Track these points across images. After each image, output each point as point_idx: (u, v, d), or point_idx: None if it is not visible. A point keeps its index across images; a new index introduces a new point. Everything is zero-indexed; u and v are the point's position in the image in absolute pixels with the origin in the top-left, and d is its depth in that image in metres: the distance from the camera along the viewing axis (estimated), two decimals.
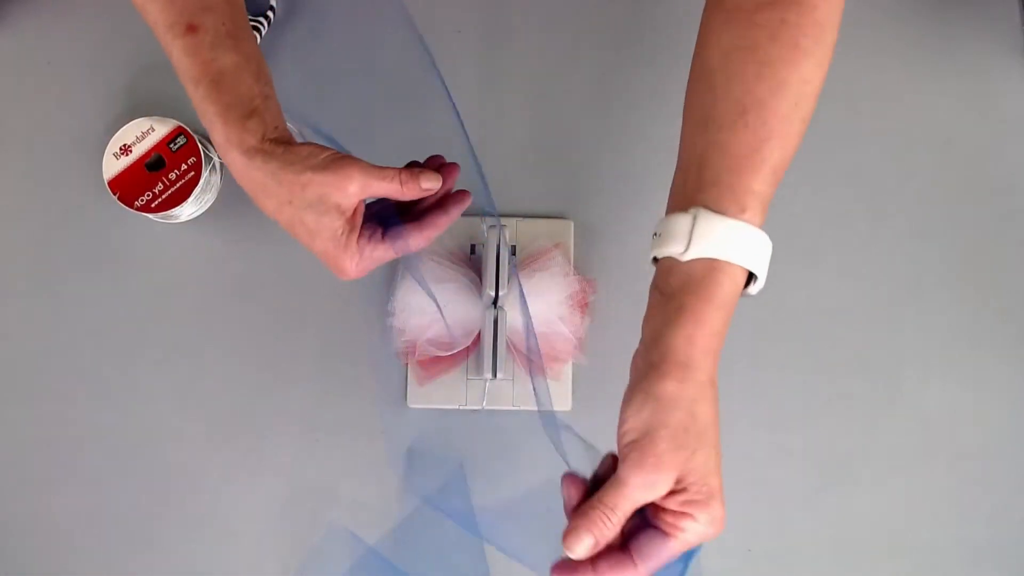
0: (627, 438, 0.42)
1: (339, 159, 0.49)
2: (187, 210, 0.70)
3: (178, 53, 0.49)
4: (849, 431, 0.70)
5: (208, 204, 0.71)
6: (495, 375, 0.63)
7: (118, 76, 0.73)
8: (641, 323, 0.47)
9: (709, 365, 0.43)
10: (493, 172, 0.72)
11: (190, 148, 0.68)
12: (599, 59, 0.74)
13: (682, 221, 0.44)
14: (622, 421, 0.43)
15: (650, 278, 0.49)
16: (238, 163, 0.48)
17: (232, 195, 0.72)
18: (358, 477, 0.68)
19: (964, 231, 0.73)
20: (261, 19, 0.72)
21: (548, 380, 0.68)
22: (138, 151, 0.68)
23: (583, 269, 0.70)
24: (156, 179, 0.68)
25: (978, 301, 0.72)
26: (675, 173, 0.49)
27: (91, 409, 0.69)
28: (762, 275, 0.45)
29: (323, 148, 0.50)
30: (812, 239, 0.72)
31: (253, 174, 0.48)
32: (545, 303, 0.67)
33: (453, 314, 0.66)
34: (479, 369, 0.65)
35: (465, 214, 0.71)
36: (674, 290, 0.44)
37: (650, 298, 0.47)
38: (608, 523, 0.42)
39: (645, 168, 0.72)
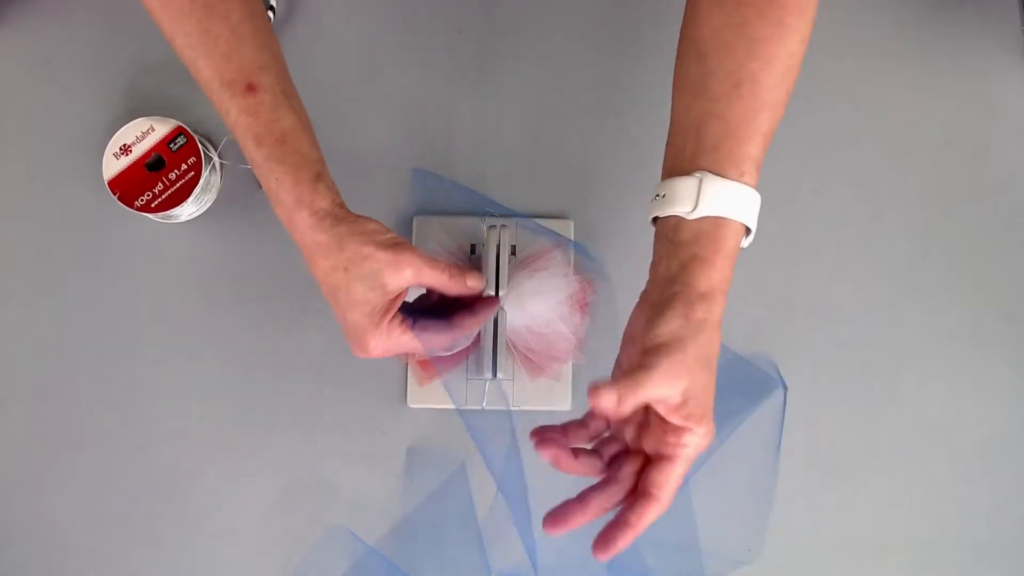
0: (658, 340, 0.46)
1: (401, 243, 0.51)
2: (187, 210, 0.70)
3: (236, 112, 0.49)
4: (849, 431, 0.70)
5: (208, 204, 0.71)
6: (495, 375, 0.63)
7: (118, 76, 0.73)
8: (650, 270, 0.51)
9: (719, 308, 0.48)
10: (493, 172, 0.73)
11: (190, 148, 0.68)
12: (599, 59, 0.74)
13: (688, 184, 0.48)
14: (651, 326, 0.47)
15: (647, 275, 0.52)
16: (305, 223, 0.50)
17: (232, 195, 0.72)
18: (358, 477, 0.68)
19: (964, 231, 0.73)
20: None
21: (548, 380, 0.68)
22: (138, 151, 0.68)
23: (583, 269, 0.70)
24: (156, 179, 0.68)
25: (978, 301, 0.72)
26: (669, 138, 0.52)
27: (91, 409, 0.69)
28: (754, 229, 0.50)
29: (387, 228, 0.52)
30: (812, 239, 0.72)
31: (318, 236, 0.49)
32: (545, 303, 0.67)
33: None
34: (479, 369, 0.65)
35: (465, 214, 0.71)
36: (686, 242, 0.49)
37: (658, 248, 0.51)
38: (632, 391, 0.44)
39: (645, 168, 0.72)
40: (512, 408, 0.68)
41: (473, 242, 0.71)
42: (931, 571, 0.69)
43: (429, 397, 0.68)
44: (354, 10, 0.74)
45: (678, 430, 0.46)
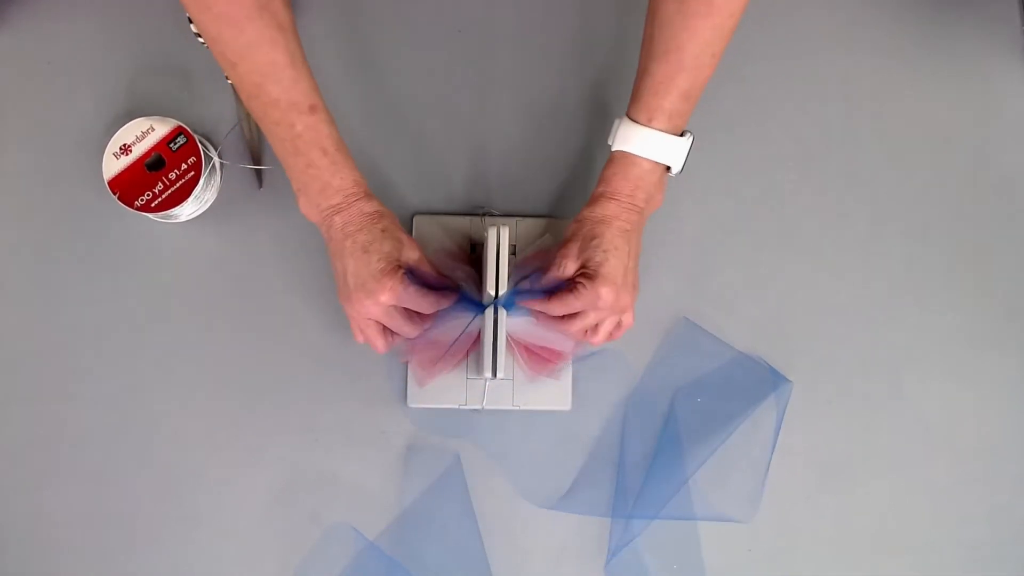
0: (566, 233, 0.65)
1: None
2: (187, 210, 0.70)
3: (302, 127, 0.59)
4: (849, 431, 0.70)
5: (208, 204, 0.71)
6: (495, 375, 0.63)
7: (118, 76, 0.73)
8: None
9: (615, 210, 0.63)
10: (493, 172, 0.73)
11: (190, 148, 0.68)
12: (599, 59, 0.74)
13: (615, 126, 0.64)
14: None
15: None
16: (363, 200, 0.62)
17: (232, 195, 0.72)
18: (357, 477, 0.68)
19: (964, 231, 0.73)
20: None
21: (548, 380, 0.68)
22: (138, 151, 0.68)
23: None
24: (156, 179, 0.68)
25: (978, 301, 0.72)
26: None
27: (91, 409, 0.69)
28: (668, 162, 0.63)
29: None
30: (812, 239, 0.72)
31: (371, 208, 0.62)
32: None
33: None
34: (479, 369, 0.65)
35: (465, 214, 0.71)
36: (607, 168, 0.65)
37: None
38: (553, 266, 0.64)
39: None
40: (512, 408, 0.68)
41: (473, 242, 0.71)
42: (931, 571, 0.69)
43: (429, 397, 0.68)
44: (354, 10, 0.74)
45: (575, 281, 0.62)
